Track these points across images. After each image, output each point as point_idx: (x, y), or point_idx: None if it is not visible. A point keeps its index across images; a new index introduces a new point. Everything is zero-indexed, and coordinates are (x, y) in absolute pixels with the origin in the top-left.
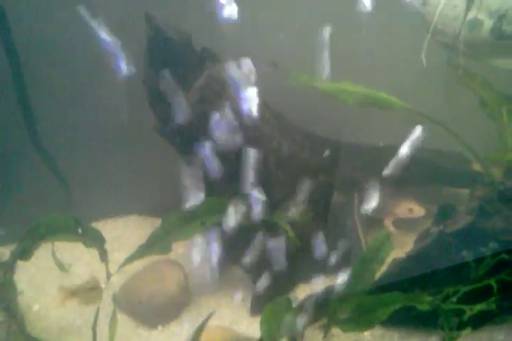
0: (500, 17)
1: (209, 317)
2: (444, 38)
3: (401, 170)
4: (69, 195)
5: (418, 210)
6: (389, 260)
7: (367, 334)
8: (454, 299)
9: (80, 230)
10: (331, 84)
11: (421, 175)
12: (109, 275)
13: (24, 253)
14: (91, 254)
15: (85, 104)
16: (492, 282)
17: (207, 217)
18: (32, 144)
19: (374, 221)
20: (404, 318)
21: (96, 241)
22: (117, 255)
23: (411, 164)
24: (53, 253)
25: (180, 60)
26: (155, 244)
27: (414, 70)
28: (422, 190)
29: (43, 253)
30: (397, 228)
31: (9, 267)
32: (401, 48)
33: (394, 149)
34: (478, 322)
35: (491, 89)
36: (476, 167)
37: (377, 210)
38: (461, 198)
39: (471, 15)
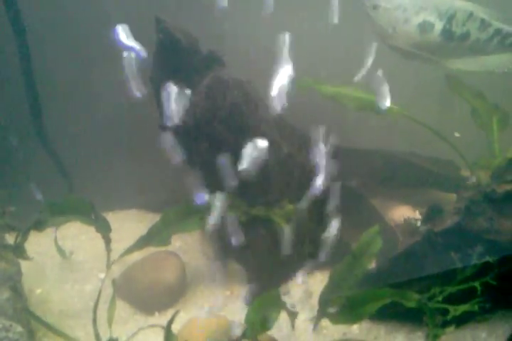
0: (450, 19)
1: (176, 313)
2: (394, 41)
3: (395, 174)
4: (71, 186)
5: (414, 216)
6: None
7: (355, 327)
8: (440, 298)
9: (93, 215)
10: (332, 88)
11: (413, 179)
12: (109, 263)
13: (40, 224)
14: (91, 243)
15: (90, 99)
16: (477, 284)
17: (206, 212)
18: (37, 137)
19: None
20: (391, 313)
21: (103, 229)
22: (117, 246)
23: (404, 168)
24: (55, 240)
25: (186, 62)
26: (155, 236)
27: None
28: (413, 193)
29: (44, 241)
30: None
31: (23, 233)
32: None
33: (388, 154)
34: (462, 320)
35: (483, 99)
36: (466, 173)
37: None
38: (449, 201)
39: (421, 17)
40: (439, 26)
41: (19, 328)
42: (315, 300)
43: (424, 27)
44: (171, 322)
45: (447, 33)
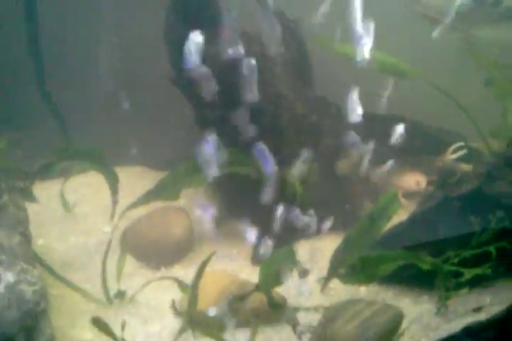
0: None
1: (210, 256)
2: (426, 10)
3: (404, 141)
4: (70, 141)
5: (424, 182)
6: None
7: (362, 289)
8: (455, 261)
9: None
10: (351, 47)
11: (424, 147)
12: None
13: (46, 169)
14: (94, 197)
15: (96, 55)
16: (492, 249)
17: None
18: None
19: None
20: (399, 277)
21: (111, 178)
22: (121, 202)
23: (416, 136)
24: (61, 192)
25: (202, 15)
26: (163, 191)
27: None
28: (422, 161)
29: (46, 193)
30: (407, 200)
31: (30, 176)
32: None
33: (400, 120)
34: (470, 284)
35: (501, 68)
36: (473, 144)
37: (384, 182)
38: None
39: None
40: None
41: (36, 272)
42: (322, 262)
43: None
44: (204, 264)
45: None
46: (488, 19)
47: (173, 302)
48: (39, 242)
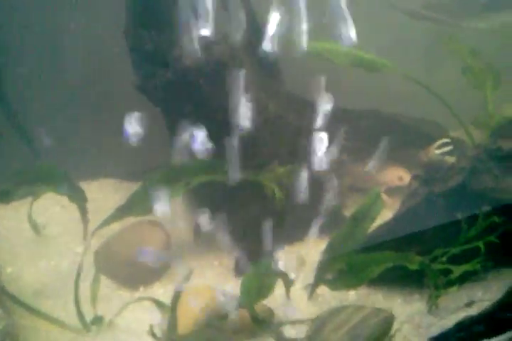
0: None
1: (188, 276)
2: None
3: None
4: (37, 154)
5: (407, 177)
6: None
7: (352, 293)
8: (444, 259)
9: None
10: (320, 43)
11: (403, 140)
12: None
13: (5, 195)
14: (65, 216)
15: (62, 65)
16: (481, 244)
17: (192, 177)
18: None
19: (363, 191)
20: (387, 278)
21: (78, 198)
22: (93, 217)
23: (394, 129)
24: (29, 213)
25: (165, 17)
26: (136, 205)
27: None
28: (402, 155)
29: (13, 215)
30: (390, 196)
31: None
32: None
33: (377, 114)
34: (459, 281)
35: (479, 57)
36: (454, 134)
37: (365, 180)
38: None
39: None
40: None
41: None
42: (308, 268)
43: None
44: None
45: None
46: (475, 10)
47: (151, 327)
48: (8, 270)
